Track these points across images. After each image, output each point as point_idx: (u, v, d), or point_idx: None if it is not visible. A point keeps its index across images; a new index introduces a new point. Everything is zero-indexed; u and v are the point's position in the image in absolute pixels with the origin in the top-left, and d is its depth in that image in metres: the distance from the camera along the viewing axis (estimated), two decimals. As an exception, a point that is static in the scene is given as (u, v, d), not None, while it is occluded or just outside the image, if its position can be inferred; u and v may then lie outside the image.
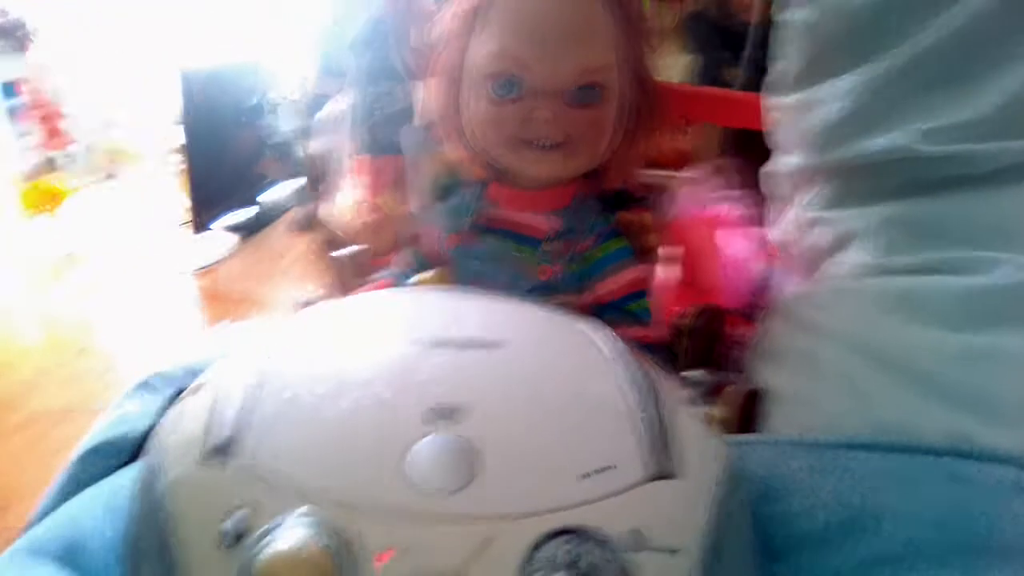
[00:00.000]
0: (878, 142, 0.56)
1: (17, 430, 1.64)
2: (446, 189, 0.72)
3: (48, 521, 0.45)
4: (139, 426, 0.50)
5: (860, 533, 0.40)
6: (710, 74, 1.65)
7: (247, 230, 2.89)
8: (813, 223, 0.64)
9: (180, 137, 2.58)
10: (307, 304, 0.57)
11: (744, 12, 1.54)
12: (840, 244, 0.60)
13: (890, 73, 0.56)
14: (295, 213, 2.89)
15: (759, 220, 0.79)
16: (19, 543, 0.43)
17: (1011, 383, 0.47)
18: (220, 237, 2.77)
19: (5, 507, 1.36)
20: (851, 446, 0.46)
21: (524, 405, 0.38)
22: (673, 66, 1.64)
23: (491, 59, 0.61)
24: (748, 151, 0.77)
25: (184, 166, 2.60)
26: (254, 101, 2.92)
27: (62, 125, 3.37)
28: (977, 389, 0.46)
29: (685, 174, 0.87)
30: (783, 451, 0.48)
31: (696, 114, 1.17)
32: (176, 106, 2.55)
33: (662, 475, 0.35)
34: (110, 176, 3.50)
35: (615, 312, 0.66)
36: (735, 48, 1.48)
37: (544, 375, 0.41)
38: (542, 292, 0.63)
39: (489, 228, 0.67)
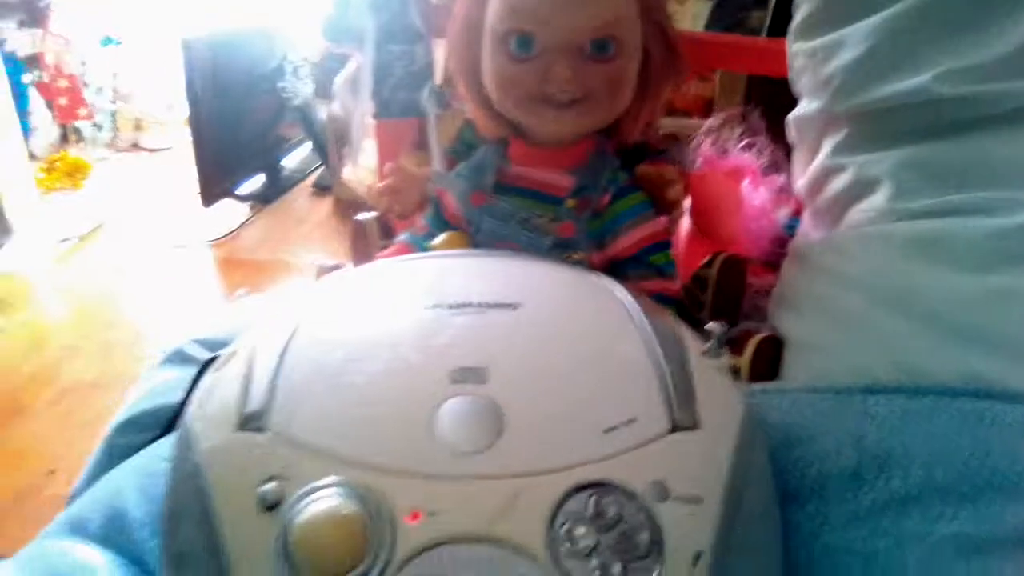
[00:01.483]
0: (898, 85, 0.56)
1: (51, 404, 1.66)
2: (465, 149, 0.72)
3: (88, 495, 0.47)
4: (173, 397, 0.51)
5: (879, 476, 0.41)
6: (732, 19, 1.62)
7: (264, 197, 2.81)
8: (835, 170, 0.63)
9: (187, 108, 2.46)
10: (329, 270, 0.58)
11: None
12: (861, 190, 0.60)
13: (909, 15, 0.55)
14: (316, 178, 2.88)
15: (783, 169, 0.78)
16: (61, 517, 0.45)
17: None
18: (233, 207, 2.72)
19: (51, 474, 1.40)
20: (868, 391, 0.46)
21: (546, 363, 0.39)
22: (692, 13, 1.61)
23: (506, 15, 0.61)
24: (772, 99, 0.76)
25: (192, 138, 2.47)
26: (272, 65, 2.84)
27: (86, 96, 3.37)
28: (995, 330, 0.46)
29: (706, 122, 0.86)
30: (801, 398, 0.48)
31: (718, 63, 1.15)
32: (181, 76, 2.40)
33: (683, 427, 0.36)
34: (135, 146, 3.51)
35: (637, 266, 0.66)
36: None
37: (565, 333, 0.42)
38: (562, 250, 0.63)
39: (508, 187, 0.67)
